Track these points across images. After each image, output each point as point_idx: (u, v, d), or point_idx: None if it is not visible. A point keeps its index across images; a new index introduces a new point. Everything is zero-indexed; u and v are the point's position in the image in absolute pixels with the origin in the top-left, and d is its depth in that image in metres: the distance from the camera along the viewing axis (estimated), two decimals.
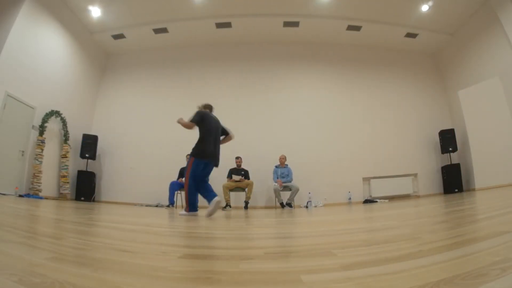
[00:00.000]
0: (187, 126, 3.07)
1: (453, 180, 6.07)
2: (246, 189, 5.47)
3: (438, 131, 6.54)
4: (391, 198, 6.18)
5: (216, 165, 3.27)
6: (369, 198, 6.22)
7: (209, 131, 3.16)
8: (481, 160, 5.70)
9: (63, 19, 5.94)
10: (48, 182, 5.44)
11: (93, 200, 6.35)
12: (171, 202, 5.36)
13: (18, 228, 1.31)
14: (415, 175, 6.52)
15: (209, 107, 3.52)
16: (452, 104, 6.88)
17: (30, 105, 5.16)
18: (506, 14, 5.31)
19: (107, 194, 6.58)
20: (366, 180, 6.44)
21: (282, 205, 5.43)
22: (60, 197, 5.76)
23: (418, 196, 6.31)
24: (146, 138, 6.82)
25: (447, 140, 6.30)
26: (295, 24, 6.68)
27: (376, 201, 5.91)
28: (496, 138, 5.44)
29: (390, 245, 0.96)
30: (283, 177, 5.62)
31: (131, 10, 6.20)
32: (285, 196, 5.56)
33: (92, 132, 6.72)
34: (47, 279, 0.57)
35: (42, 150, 5.26)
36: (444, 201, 3.76)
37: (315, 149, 6.54)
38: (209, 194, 3.03)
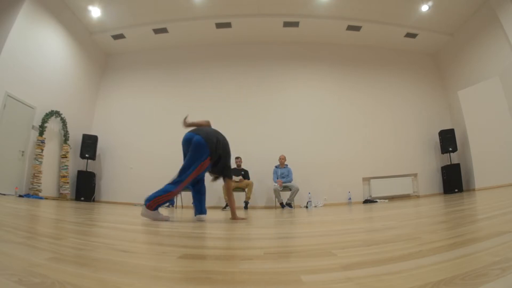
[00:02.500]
0: None
1: (453, 180, 6.07)
2: (246, 189, 5.47)
3: (438, 131, 6.54)
4: (391, 198, 6.18)
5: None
6: (369, 198, 6.22)
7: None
8: (481, 160, 5.70)
9: (63, 19, 5.94)
10: (48, 182, 5.44)
11: (93, 200, 6.35)
12: (171, 202, 5.36)
13: (18, 228, 1.31)
14: (415, 175, 6.52)
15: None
16: (452, 104, 6.88)
17: (30, 105, 5.17)
18: (506, 14, 5.31)
19: (107, 194, 6.58)
20: (366, 180, 6.44)
21: (282, 205, 5.43)
22: (60, 197, 5.76)
23: (418, 196, 6.31)
24: (146, 138, 6.82)
25: (447, 140, 6.30)
26: (295, 24, 6.68)
27: (376, 201, 5.91)
28: (496, 138, 5.44)
29: (390, 245, 0.96)
30: (283, 177, 5.62)
31: (131, 10, 6.20)
32: (285, 196, 5.56)
33: (92, 132, 6.72)
34: (47, 279, 0.57)
35: (42, 150, 5.26)
36: (444, 201, 3.76)
37: (315, 149, 6.54)
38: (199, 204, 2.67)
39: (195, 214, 2.69)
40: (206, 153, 2.41)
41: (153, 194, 2.38)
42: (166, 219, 2.37)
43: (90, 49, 6.95)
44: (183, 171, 2.44)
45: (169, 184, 2.44)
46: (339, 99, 7.01)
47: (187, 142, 2.50)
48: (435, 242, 0.97)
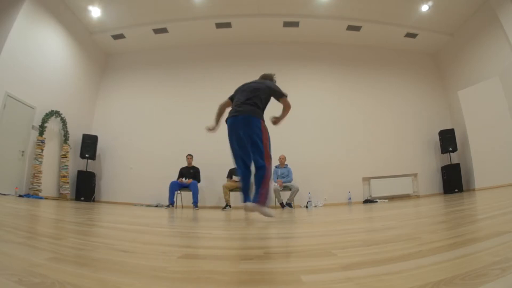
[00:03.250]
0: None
1: (453, 180, 6.07)
2: None
3: (438, 131, 6.55)
4: (391, 198, 6.18)
5: (243, 115, 2.42)
6: (369, 198, 6.22)
7: (237, 93, 2.66)
8: (481, 160, 5.70)
9: (63, 19, 5.94)
10: (48, 182, 5.44)
11: (93, 200, 6.35)
12: (171, 202, 5.36)
13: (18, 228, 1.31)
14: (415, 175, 6.52)
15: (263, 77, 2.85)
16: (452, 104, 6.88)
17: (30, 105, 5.17)
18: (506, 14, 5.31)
19: (107, 194, 6.58)
20: (366, 180, 6.44)
21: (282, 205, 5.43)
22: (60, 197, 5.76)
23: (418, 196, 6.31)
24: (146, 138, 6.82)
25: (447, 140, 6.30)
26: (295, 24, 6.68)
27: (376, 201, 5.91)
28: (496, 138, 5.44)
29: (390, 245, 0.96)
30: (283, 177, 5.62)
31: (131, 10, 6.20)
32: (285, 196, 5.56)
33: (92, 132, 6.72)
34: (47, 279, 0.57)
35: (42, 150, 5.26)
36: (444, 201, 3.76)
37: (315, 149, 6.54)
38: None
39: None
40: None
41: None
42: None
43: (90, 49, 6.95)
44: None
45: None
46: (339, 99, 7.01)
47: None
48: (435, 242, 0.96)
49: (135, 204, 5.97)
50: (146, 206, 5.79)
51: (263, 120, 2.48)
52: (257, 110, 2.44)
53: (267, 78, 2.83)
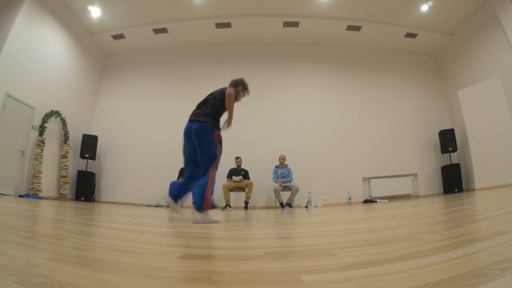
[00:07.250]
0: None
1: (453, 180, 6.07)
2: (246, 189, 5.47)
3: (438, 131, 6.54)
4: (391, 198, 6.18)
5: (192, 124, 2.71)
6: (369, 198, 6.22)
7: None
8: (481, 160, 5.70)
9: (63, 19, 5.94)
10: (48, 182, 5.44)
11: (93, 200, 6.35)
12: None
13: (18, 229, 1.31)
14: (415, 175, 6.52)
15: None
16: (452, 104, 6.88)
17: (30, 105, 5.16)
18: (506, 14, 5.31)
19: (107, 194, 6.58)
20: (366, 180, 6.44)
21: (282, 205, 5.43)
22: (60, 197, 5.76)
23: (418, 196, 6.31)
24: (146, 138, 6.82)
25: (447, 140, 6.30)
26: (295, 24, 6.68)
27: (376, 201, 5.91)
28: (496, 138, 5.44)
29: (390, 245, 0.96)
30: (283, 177, 5.62)
31: (131, 10, 6.20)
32: (285, 196, 5.56)
33: (92, 132, 6.71)
34: (47, 279, 0.57)
35: (42, 150, 5.26)
36: (444, 201, 3.76)
37: (315, 149, 6.54)
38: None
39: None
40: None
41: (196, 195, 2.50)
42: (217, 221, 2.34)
43: (90, 49, 6.95)
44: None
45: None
46: (339, 99, 7.01)
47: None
48: (435, 242, 0.97)
49: (135, 204, 5.97)
50: (146, 206, 5.79)
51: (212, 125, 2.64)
52: (204, 117, 2.69)
53: (235, 83, 3.00)
